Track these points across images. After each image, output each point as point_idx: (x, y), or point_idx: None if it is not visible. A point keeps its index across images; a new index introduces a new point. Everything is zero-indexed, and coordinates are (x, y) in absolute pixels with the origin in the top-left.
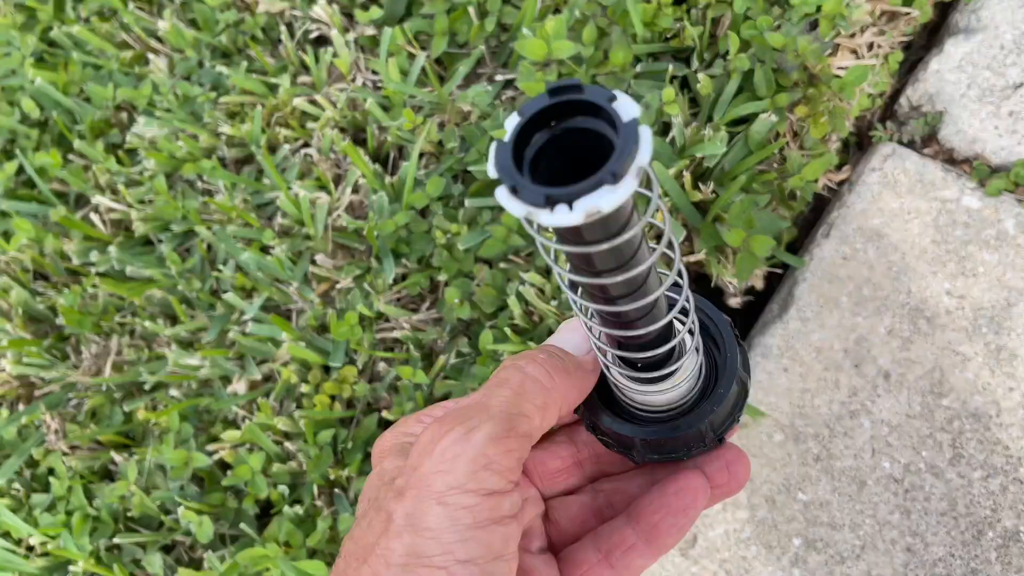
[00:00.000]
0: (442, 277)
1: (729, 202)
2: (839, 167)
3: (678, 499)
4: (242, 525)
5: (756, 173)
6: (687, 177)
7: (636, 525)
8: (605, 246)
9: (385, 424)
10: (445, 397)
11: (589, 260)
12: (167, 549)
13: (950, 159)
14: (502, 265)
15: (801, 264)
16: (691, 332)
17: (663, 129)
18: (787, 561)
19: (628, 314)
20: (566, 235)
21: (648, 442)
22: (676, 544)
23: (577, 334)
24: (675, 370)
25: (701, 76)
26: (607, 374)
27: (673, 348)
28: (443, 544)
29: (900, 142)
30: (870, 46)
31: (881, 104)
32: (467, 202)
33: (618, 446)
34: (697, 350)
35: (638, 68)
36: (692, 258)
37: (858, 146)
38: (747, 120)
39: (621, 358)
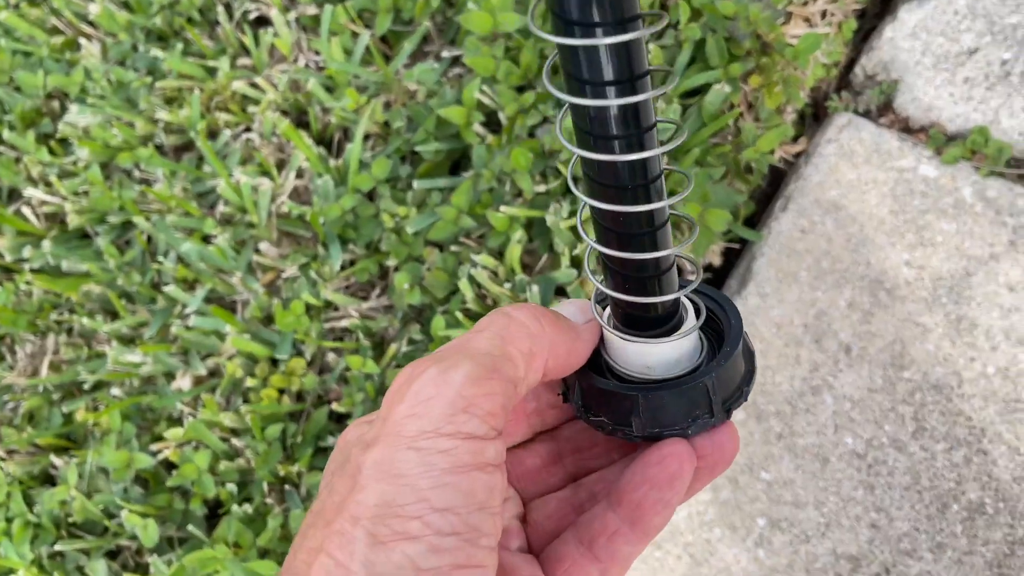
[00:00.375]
0: (391, 262)
1: (683, 177)
2: (795, 139)
3: (661, 469)
4: (190, 527)
5: (711, 146)
6: None
7: (618, 508)
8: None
9: (335, 417)
10: None
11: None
12: (112, 555)
13: (906, 128)
14: (453, 248)
15: (759, 238)
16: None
17: None
18: (752, 542)
19: (639, 219)
20: None
21: (650, 404)
22: (664, 525)
23: (574, 306)
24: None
25: (652, 47)
26: (604, 353)
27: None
28: (417, 491)
29: (856, 112)
30: (823, 14)
31: (836, 74)
32: (415, 183)
33: (613, 420)
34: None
35: None
36: None
37: (814, 117)
38: (700, 92)
39: (626, 309)
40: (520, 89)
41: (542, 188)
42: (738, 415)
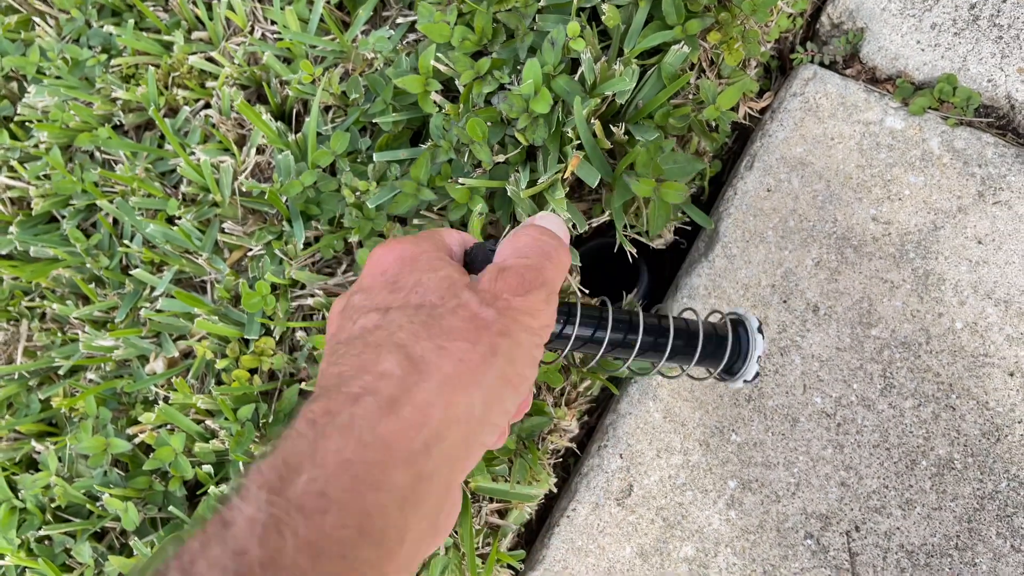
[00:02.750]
0: (355, 238)
1: (637, 151)
2: (761, 94)
3: None
4: (171, 508)
5: (672, 108)
6: (597, 124)
7: None
8: None
9: (307, 395)
10: None
11: None
12: (98, 536)
13: (872, 79)
14: (416, 221)
15: (709, 225)
16: None
17: (572, 66)
18: (723, 504)
19: None
20: None
21: None
22: None
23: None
24: None
25: (606, 7)
26: None
27: None
28: None
29: (822, 64)
30: None
31: (802, 24)
32: (375, 156)
33: None
34: None
35: (542, 2)
36: (605, 218)
37: (781, 71)
38: (660, 51)
39: None
40: (476, 55)
41: (501, 158)
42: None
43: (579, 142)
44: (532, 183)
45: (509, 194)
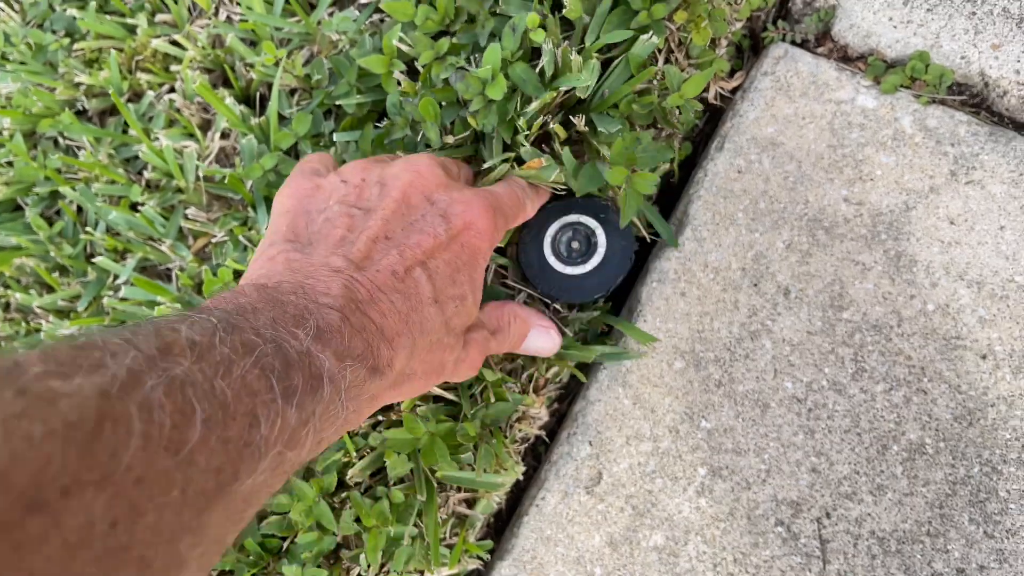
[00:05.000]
0: None
1: (609, 139)
2: (732, 73)
3: None
4: None
5: (635, 97)
6: (553, 124)
7: None
8: None
9: None
10: None
11: None
12: None
13: (845, 57)
14: None
15: (673, 242)
16: None
17: (536, 54)
18: (693, 491)
19: None
20: None
21: None
22: None
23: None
24: None
25: None
26: None
27: None
28: None
29: (793, 42)
30: None
31: (774, 2)
32: (335, 137)
33: None
34: None
35: None
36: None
37: (753, 50)
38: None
39: None
40: (437, 36)
41: (451, 139)
42: (677, 363)
43: (527, 132)
44: (485, 172)
45: None
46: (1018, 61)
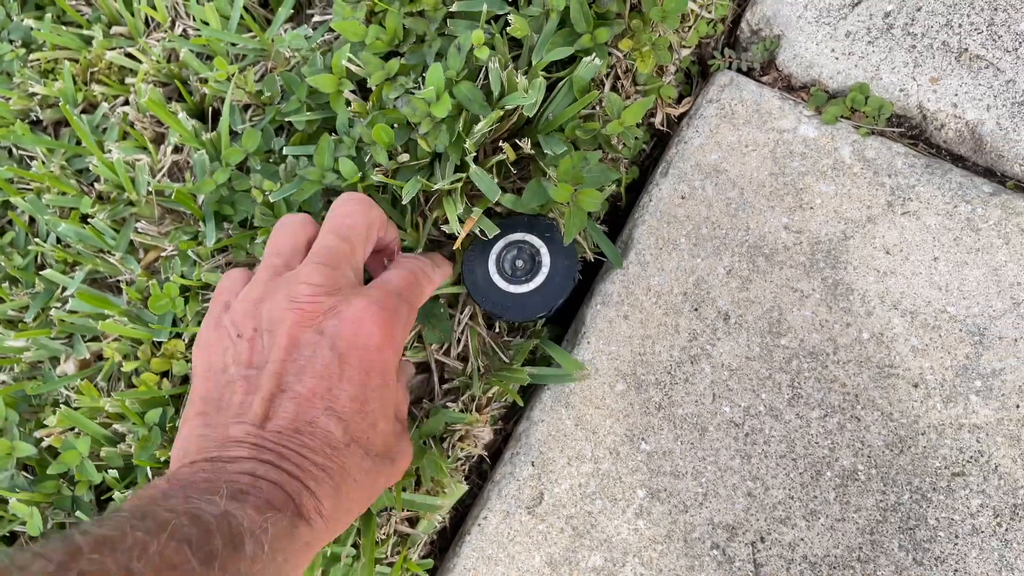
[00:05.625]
0: (261, 238)
1: (555, 160)
2: (680, 99)
3: None
4: (78, 513)
5: (582, 121)
6: (507, 147)
7: None
8: None
9: None
10: None
11: None
12: (8, 541)
13: (788, 86)
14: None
15: (619, 263)
16: None
17: (484, 73)
18: (632, 513)
19: None
20: None
21: None
22: None
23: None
24: None
25: (513, 18)
26: None
27: None
28: None
29: (739, 70)
30: None
31: (723, 30)
32: (285, 151)
33: None
34: None
35: (453, 7)
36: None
37: (702, 75)
38: (572, 61)
39: None
40: (387, 56)
41: (405, 158)
42: (619, 386)
43: (475, 154)
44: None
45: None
46: (956, 95)
